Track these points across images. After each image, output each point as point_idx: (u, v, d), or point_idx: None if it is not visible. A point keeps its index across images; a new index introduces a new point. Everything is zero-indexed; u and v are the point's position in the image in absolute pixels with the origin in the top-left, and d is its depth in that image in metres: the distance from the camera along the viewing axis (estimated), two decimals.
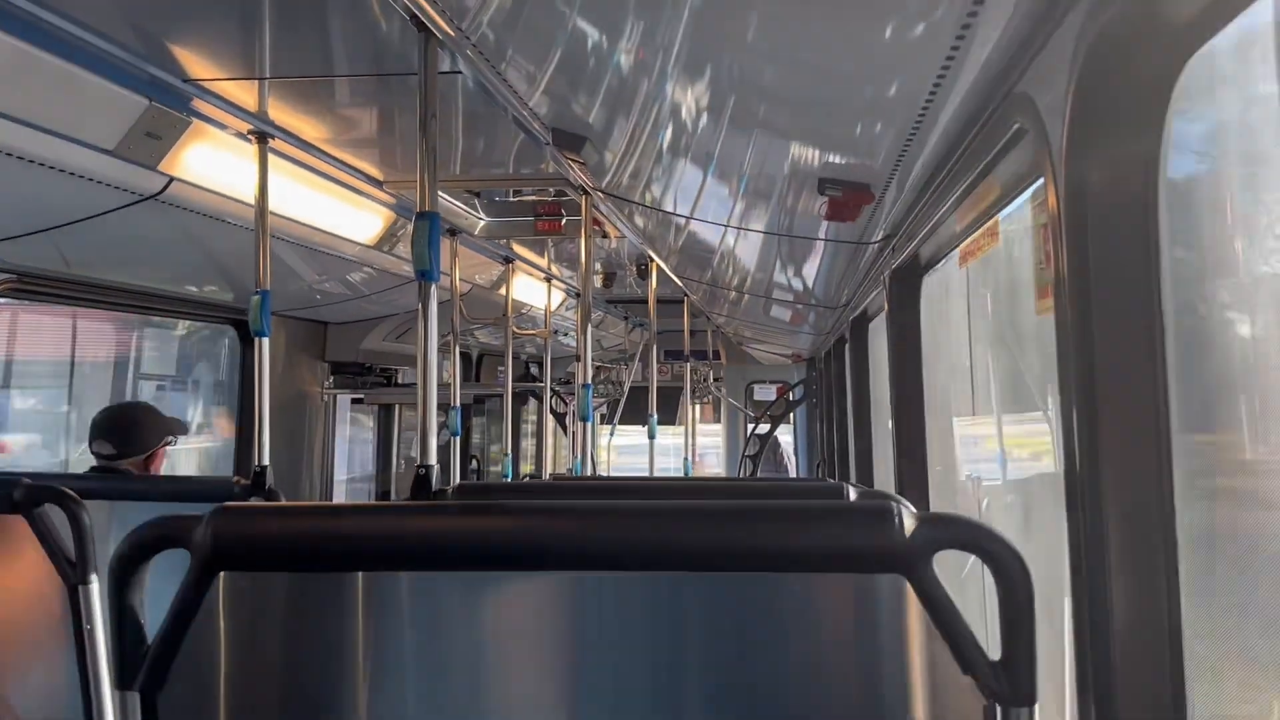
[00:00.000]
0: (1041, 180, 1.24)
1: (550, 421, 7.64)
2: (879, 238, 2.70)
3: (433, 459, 1.96)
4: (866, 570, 1.19)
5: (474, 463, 7.65)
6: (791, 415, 8.97)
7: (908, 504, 1.94)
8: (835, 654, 1.31)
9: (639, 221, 3.49)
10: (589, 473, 5.00)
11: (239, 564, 1.23)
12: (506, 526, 1.22)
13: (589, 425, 3.76)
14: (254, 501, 2.68)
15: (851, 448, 4.51)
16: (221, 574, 1.27)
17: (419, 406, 1.98)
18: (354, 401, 5.75)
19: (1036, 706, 1.16)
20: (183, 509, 1.27)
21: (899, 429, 2.75)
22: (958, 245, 2.35)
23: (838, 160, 2.01)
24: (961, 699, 1.17)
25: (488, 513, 1.26)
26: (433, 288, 2.02)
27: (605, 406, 9.45)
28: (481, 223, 4.26)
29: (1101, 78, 1.09)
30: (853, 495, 2.00)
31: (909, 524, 1.15)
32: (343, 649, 1.34)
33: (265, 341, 2.91)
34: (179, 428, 3.28)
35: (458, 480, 4.96)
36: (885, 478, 3.41)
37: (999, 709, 1.14)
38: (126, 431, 3.12)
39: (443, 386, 4.73)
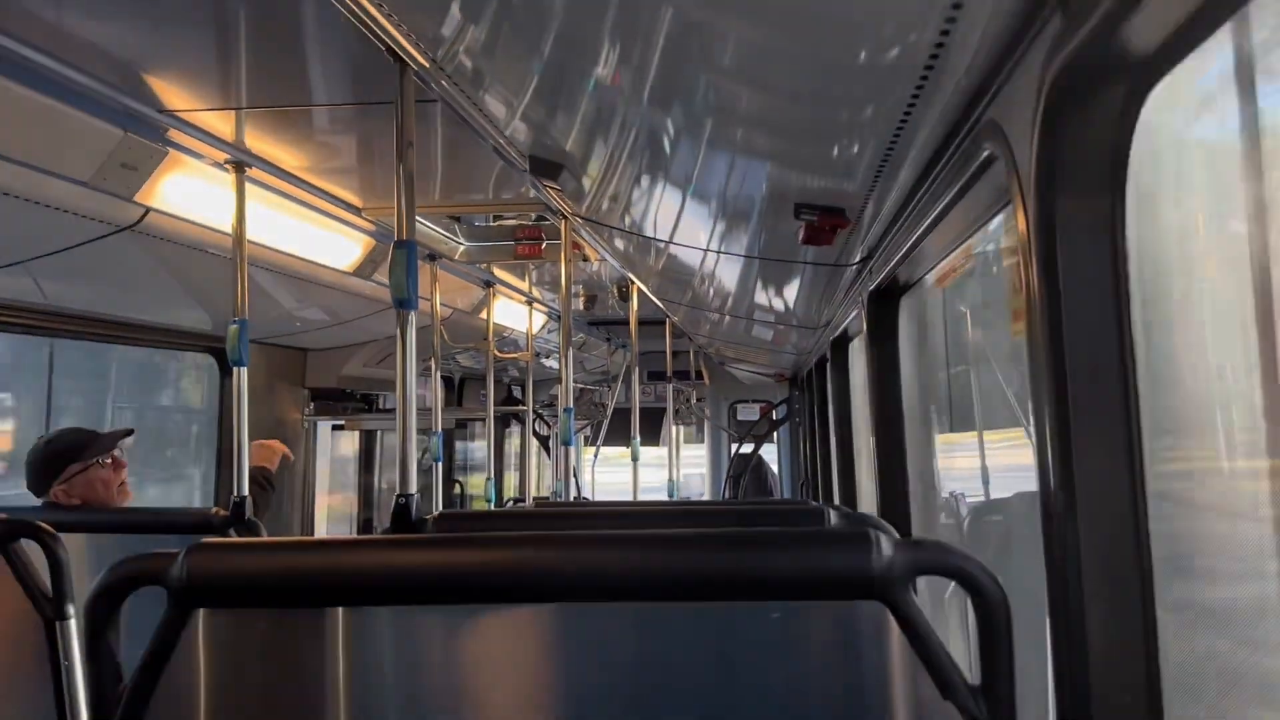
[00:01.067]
0: (1013, 205, 1.25)
1: (534, 444, 7.63)
2: (857, 260, 2.71)
3: (413, 488, 1.96)
4: (845, 597, 1.19)
5: (458, 487, 7.61)
6: (775, 435, 8.98)
7: (889, 528, 1.95)
8: (818, 680, 1.31)
9: (619, 245, 3.50)
10: (573, 496, 4.98)
11: (215, 601, 1.23)
12: (481, 560, 1.21)
13: (571, 449, 3.75)
14: (233, 533, 2.66)
15: (835, 468, 4.51)
16: (201, 610, 1.26)
17: (398, 435, 1.98)
18: (335, 428, 5.72)
19: None
20: (161, 541, 1.26)
21: (880, 450, 2.76)
22: (934, 267, 2.37)
23: (813, 185, 2.02)
24: None
25: (461, 546, 1.25)
26: (411, 315, 2.02)
27: (589, 428, 9.44)
28: (461, 247, 4.27)
29: (1067, 106, 1.11)
30: (834, 518, 2.01)
31: (886, 550, 1.15)
32: (324, 684, 1.33)
33: (243, 371, 2.89)
34: (89, 452, 3.00)
35: (439, 506, 4.94)
36: (870, 498, 3.41)
37: None
38: (30, 470, 3.00)
39: (424, 412, 4.71)
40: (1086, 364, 1.15)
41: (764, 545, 1.21)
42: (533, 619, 1.33)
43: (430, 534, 1.85)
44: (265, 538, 2.44)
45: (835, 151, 1.77)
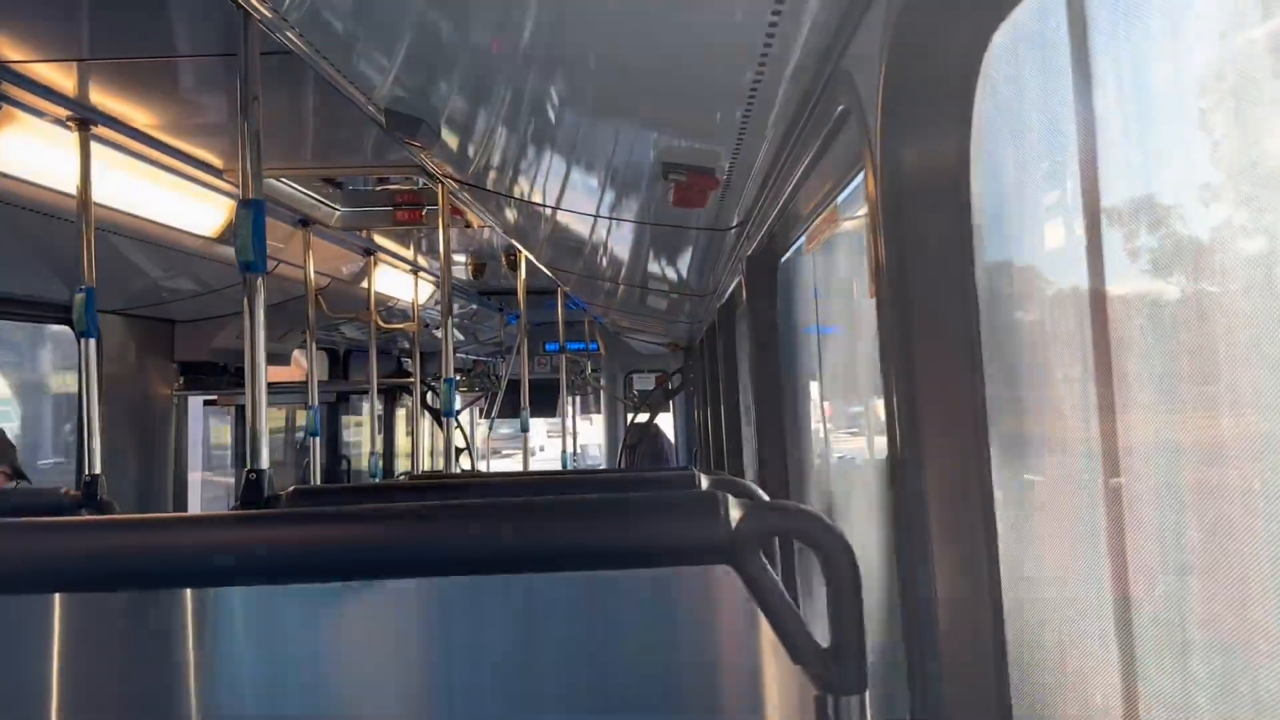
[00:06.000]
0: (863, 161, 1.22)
1: (428, 418, 7.48)
2: (734, 224, 2.69)
3: (264, 463, 1.86)
4: (694, 562, 1.16)
5: (345, 463, 7.41)
6: (671, 404, 9.01)
7: (759, 492, 1.93)
8: (677, 647, 1.28)
9: (504, 211, 3.41)
10: (459, 469, 4.88)
11: (16, 586, 1.13)
12: (316, 537, 1.14)
13: (453, 421, 3.67)
14: (84, 514, 2.50)
15: (724, 435, 4.52)
16: (55, 596, 1.18)
17: (248, 407, 1.88)
18: (207, 403, 5.48)
19: (867, 694, 1.15)
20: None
21: (759, 415, 2.76)
22: (806, 229, 2.36)
23: (681, 144, 1.98)
24: (796, 688, 1.15)
25: (297, 522, 1.18)
26: (259, 280, 1.91)
27: (485, 400, 9.30)
28: (337, 213, 4.12)
29: (912, 54, 1.08)
30: (705, 484, 1.98)
31: (734, 514, 1.12)
32: (175, 671, 1.25)
33: (93, 343, 2.73)
34: (12, 455, 3.04)
35: (318, 483, 4.80)
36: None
37: (830, 698, 1.12)
38: None
39: (301, 385, 4.55)
40: (932, 327, 1.13)
41: (612, 512, 1.17)
42: (394, 594, 1.27)
43: (269, 510, 1.75)
44: (80, 517, 2.30)
45: (698, 108, 1.73)
